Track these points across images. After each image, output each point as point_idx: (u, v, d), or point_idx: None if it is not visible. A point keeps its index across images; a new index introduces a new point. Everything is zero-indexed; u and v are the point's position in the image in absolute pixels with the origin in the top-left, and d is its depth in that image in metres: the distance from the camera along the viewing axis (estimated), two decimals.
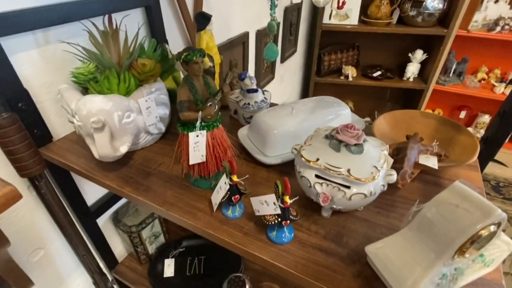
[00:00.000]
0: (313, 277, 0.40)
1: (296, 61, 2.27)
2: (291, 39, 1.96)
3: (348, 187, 0.42)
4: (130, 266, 0.99)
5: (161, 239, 1.01)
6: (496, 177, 2.25)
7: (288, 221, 0.42)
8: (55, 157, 0.62)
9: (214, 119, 0.49)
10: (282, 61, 1.92)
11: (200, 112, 0.46)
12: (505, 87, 2.16)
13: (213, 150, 0.51)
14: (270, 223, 0.42)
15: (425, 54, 2.14)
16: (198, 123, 0.47)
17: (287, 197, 0.40)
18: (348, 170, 0.41)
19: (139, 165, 0.61)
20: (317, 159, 0.43)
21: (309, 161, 0.43)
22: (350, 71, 2.30)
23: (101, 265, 0.87)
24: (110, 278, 0.89)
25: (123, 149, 0.55)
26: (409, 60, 2.21)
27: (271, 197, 0.41)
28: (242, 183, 0.46)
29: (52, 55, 0.64)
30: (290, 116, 0.61)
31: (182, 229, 1.11)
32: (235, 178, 0.44)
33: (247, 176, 0.50)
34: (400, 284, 0.35)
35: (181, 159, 0.53)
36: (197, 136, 0.48)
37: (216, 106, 0.48)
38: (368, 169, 0.41)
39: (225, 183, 0.45)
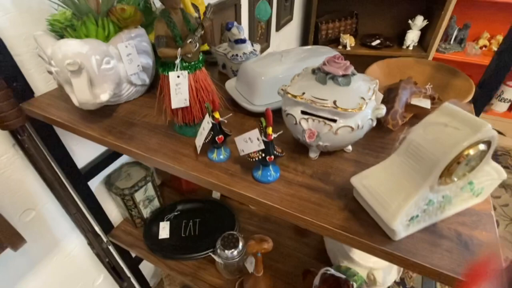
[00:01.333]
0: (298, 211, 0.39)
1: (292, 30, 2.19)
2: (286, 5, 1.88)
3: (335, 121, 0.40)
4: (125, 230, 1.00)
5: (156, 203, 1.01)
6: None
7: (273, 157, 0.40)
8: (36, 110, 0.60)
9: (195, 59, 0.47)
10: (278, 29, 1.86)
11: (179, 49, 0.44)
12: None
13: (196, 94, 0.49)
14: (254, 159, 0.41)
15: (426, 21, 2.06)
16: (178, 62, 0.44)
17: (270, 128, 0.38)
18: (335, 102, 0.39)
19: (123, 117, 0.59)
20: (303, 93, 0.41)
21: (295, 96, 0.41)
22: (348, 40, 2.23)
23: (95, 225, 0.88)
24: (105, 239, 0.89)
25: (104, 97, 0.53)
26: (409, 28, 2.13)
27: (255, 132, 0.40)
28: (226, 121, 0.45)
29: (27, 5, 0.60)
30: (279, 63, 0.58)
31: (177, 193, 1.11)
32: (217, 115, 0.43)
33: (230, 114, 0.48)
34: (385, 209, 0.34)
35: (164, 105, 0.51)
36: (178, 77, 0.46)
37: (197, 44, 0.45)
38: (355, 100, 0.39)
39: (208, 122, 0.44)
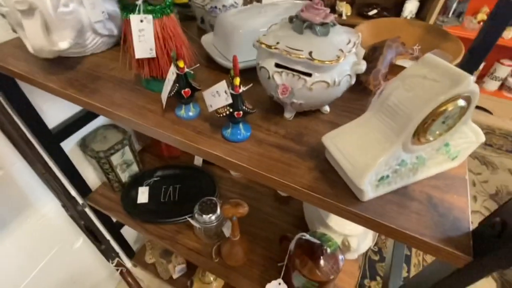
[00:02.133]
0: (266, 170, 0.37)
1: None
2: None
3: (310, 75, 0.37)
4: (103, 194, 0.98)
5: (134, 168, 0.98)
6: (480, 123, 2.26)
7: (241, 112, 0.37)
8: None
9: (162, 2, 0.42)
10: None
11: None
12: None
13: (164, 44, 0.45)
14: (222, 115, 0.38)
15: None
16: (139, 3, 0.39)
17: (237, 79, 0.35)
18: (310, 53, 0.35)
19: (87, 69, 0.54)
20: (277, 43, 0.37)
21: (269, 47, 0.38)
22: (345, 9, 2.13)
23: (70, 188, 0.85)
24: (80, 201, 0.87)
25: (63, 45, 0.48)
26: None
27: (222, 85, 0.36)
28: (192, 72, 0.41)
29: None
30: (259, 16, 0.54)
31: (158, 160, 1.09)
32: (181, 64, 0.39)
33: (198, 65, 0.44)
34: (354, 168, 0.32)
35: (129, 55, 0.46)
36: (141, 21, 0.41)
37: None
38: (333, 52, 0.36)
39: (172, 73, 0.40)
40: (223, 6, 0.62)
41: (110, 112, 0.46)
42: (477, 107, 2.35)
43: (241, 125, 0.40)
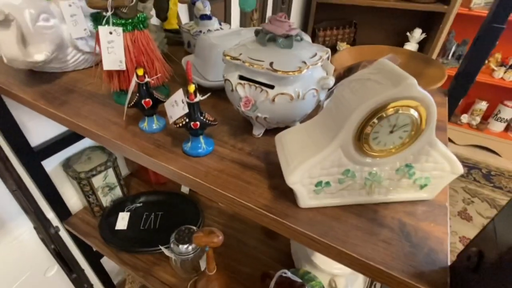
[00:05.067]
0: (221, 187, 0.34)
1: None
2: (283, 7, 1.86)
3: (272, 87, 0.35)
4: (83, 218, 0.93)
5: (118, 192, 0.95)
6: (488, 165, 2.17)
7: (198, 123, 0.35)
8: None
9: (132, 16, 0.42)
10: None
11: (110, 0, 0.39)
12: (505, 72, 2.06)
13: (135, 58, 0.44)
14: (179, 125, 0.36)
15: (424, 34, 2.04)
16: (108, 14, 0.40)
17: (192, 86, 0.33)
18: (271, 63, 0.34)
19: (64, 84, 0.54)
20: (240, 54, 0.36)
21: (233, 58, 0.36)
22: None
23: (49, 209, 0.82)
24: (54, 224, 0.83)
25: (39, 57, 0.48)
26: (407, 40, 2.11)
27: (179, 94, 0.35)
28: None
29: None
30: (238, 37, 0.54)
31: (145, 185, 1.05)
32: (140, 72, 0.37)
33: (160, 74, 0.43)
34: (288, 164, 0.29)
35: (100, 68, 0.46)
36: (110, 33, 0.41)
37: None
38: (295, 64, 0.34)
39: (134, 81, 0.38)
40: (208, 30, 0.63)
41: (72, 123, 0.44)
42: (484, 149, 2.29)
43: (201, 139, 0.38)
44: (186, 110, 0.35)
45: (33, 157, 0.77)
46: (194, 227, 0.77)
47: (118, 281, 1.31)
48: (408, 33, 2.09)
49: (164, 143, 0.40)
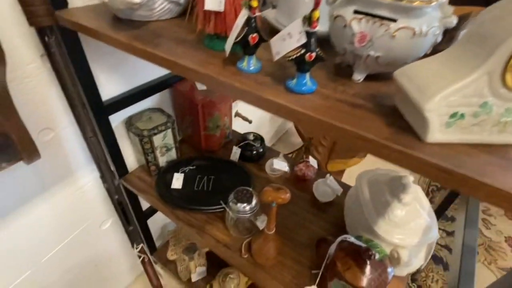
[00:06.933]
0: (334, 119, 0.33)
1: None
2: None
3: (395, 21, 0.33)
4: (139, 176, 0.98)
5: (173, 154, 0.98)
6: None
7: (314, 55, 0.35)
8: (67, 17, 0.58)
9: None
10: None
11: None
12: None
13: (233, 0, 0.44)
14: (291, 58, 0.35)
15: None
16: None
17: (316, 12, 0.32)
18: None
19: (152, 30, 0.55)
20: None
21: None
22: None
23: (109, 160, 0.86)
24: (117, 177, 0.87)
25: None
26: None
27: (297, 24, 0.34)
28: (263, 16, 0.39)
29: None
30: None
31: (194, 151, 1.08)
32: (254, 4, 0.37)
33: (270, 8, 0.43)
34: (421, 92, 0.27)
35: (196, 10, 0.47)
36: None
37: None
38: None
39: (243, 15, 0.38)
40: None
41: (171, 62, 0.45)
42: None
43: (307, 76, 0.37)
44: (302, 41, 0.34)
45: (103, 111, 0.81)
46: (251, 189, 0.78)
47: (158, 245, 1.37)
48: None
49: (265, 82, 0.40)
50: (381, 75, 0.42)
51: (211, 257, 1.24)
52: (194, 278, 1.19)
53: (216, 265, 1.24)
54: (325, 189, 0.90)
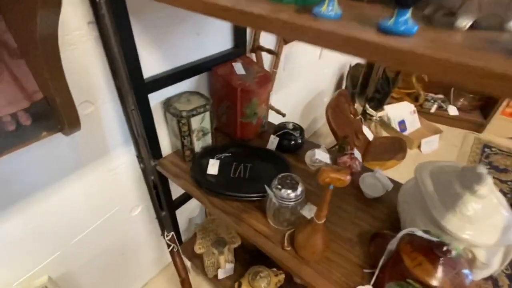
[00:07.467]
0: (459, 56, 0.26)
1: None
2: None
3: None
4: (173, 161, 0.94)
5: (208, 139, 0.94)
6: None
7: None
8: None
9: None
10: None
11: None
12: None
13: None
14: None
15: None
16: None
17: None
18: None
19: None
20: None
21: None
22: None
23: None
24: (152, 158, 0.84)
25: None
26: None
27: None
28: None
29: None
30: None
31: (229, 139, 1.03)
32: None
33: None
34: None
35: None
36: None
37: None
38: None
39: None
40: None
41: (239, 11, 0.40)
42: None
43: (409, 14, 0.31)
44: None
45: (144, 88, 0.78)
46: (296, 176, 0.72)
47: (185, 238, 1.33)
48: None
49: (350, 26, 0.34)
50: (483, 25, 0.35)
51: (238, 255, 1.17)
52: (221, 275, 1.12)
53: (243, 263, 1.17)
54: (374, 183, 0.82)
